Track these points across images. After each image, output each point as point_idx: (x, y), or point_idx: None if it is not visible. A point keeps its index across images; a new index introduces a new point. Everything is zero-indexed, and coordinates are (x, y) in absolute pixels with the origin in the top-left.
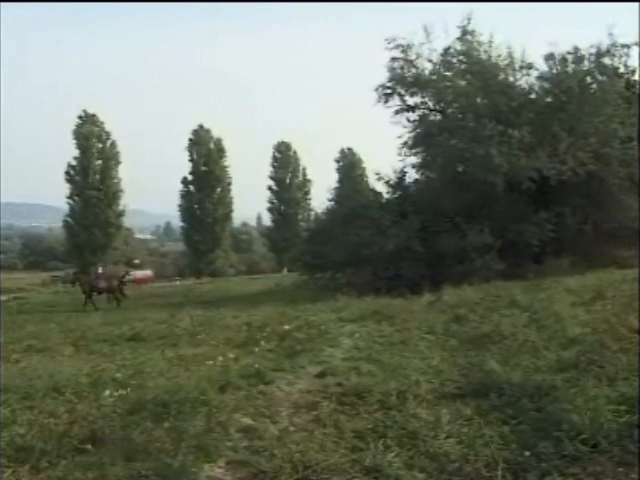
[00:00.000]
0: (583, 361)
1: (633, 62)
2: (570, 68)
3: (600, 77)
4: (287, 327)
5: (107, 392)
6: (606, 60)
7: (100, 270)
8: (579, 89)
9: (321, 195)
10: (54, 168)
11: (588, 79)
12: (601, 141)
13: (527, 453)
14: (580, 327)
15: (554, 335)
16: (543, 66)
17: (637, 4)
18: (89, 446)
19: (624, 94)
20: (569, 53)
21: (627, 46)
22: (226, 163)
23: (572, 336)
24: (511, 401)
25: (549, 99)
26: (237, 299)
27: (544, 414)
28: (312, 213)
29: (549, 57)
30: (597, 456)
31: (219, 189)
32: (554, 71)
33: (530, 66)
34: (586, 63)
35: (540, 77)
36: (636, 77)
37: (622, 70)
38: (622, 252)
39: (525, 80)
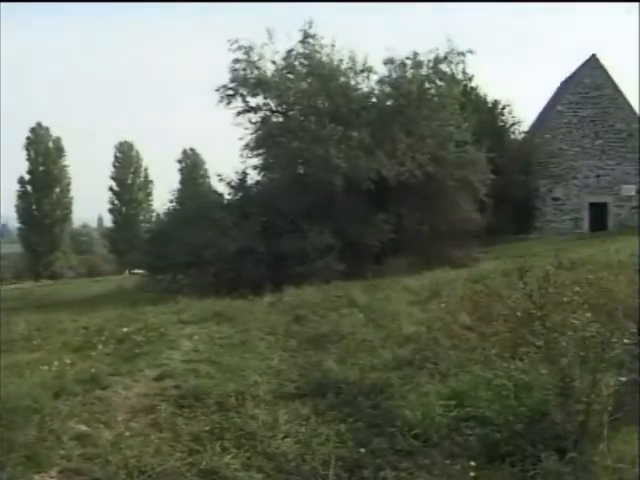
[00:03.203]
0: (417, 358)
1: (472, 70)
2: (409, 73)
3: (438, 82)
4: (126, 330)
5: None
6: (444, 66)
7: None
8: (417, 93)
9: (163, 196)
10: None
11: (426, 84)
12: (438, 144)
13: (362, 450)
14: (416, 325)
15: (391, 334)
16: (383, 70)
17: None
18: None
19: (460, 100)
20: (408, 58)
21: (463, 54)
22: (66, 163)
23: (408, 334)
24: (348, 399)
25: (389, 102)
26: (76, 302)
27: (379, 411)
28: (154, 214)
29: (389, 62)
30: (428, 450)
31: (58, 189)
32: (394, 75)
33: (370, 70)
34: (425, 69)
35: (380, 81)
36: (473, 84)
37: (459, 77)
38: (457, 252)
39: (366, 84)
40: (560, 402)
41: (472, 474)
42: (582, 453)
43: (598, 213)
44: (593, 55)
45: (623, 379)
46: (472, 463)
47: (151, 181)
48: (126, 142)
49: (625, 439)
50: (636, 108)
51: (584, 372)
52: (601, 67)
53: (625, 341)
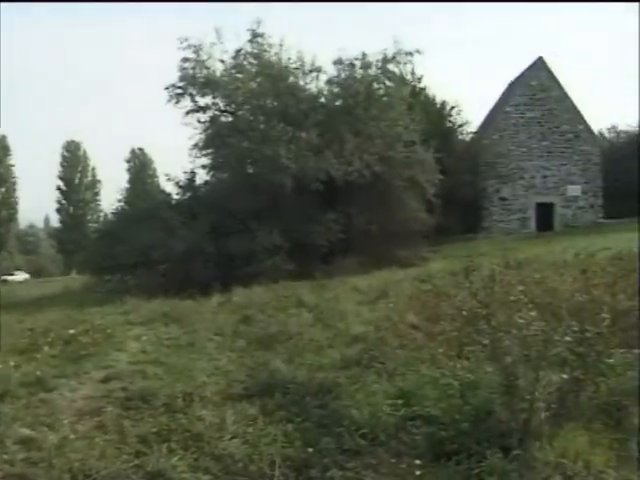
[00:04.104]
0: (365, 358)
1: (421, 70)
2: (358, 73)
3: (386, 83)
4: (72, 331)
5: None
6: (392, 67)
7: None
8: (366, 94)
9: (111, 196)
10: None
11: (375, 84)
12: (386, 144)
13: (310, 450)
14: (364, 325)
15: (339, 333)
16: (332, 71)
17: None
18: None
19: (408, 100)
20: (357, 59)
21: (411, 54)
22: (11, 162)
23: (356, 334)
24: (296, 399)
25: (337, 103)
26: (22, 303)
27: (327, 411)
28: (102, 214)
29: (338, 62)
30: (375, 449)
31: (3, 189)
32: (342, 76)
33: (319, 70)
34: (373, 69)
35: (329, 81)
36: (421, 84)
37: (408, 77)
38: (405, 251)
39: (315, 84)
40: (505, 400)
41: (418, 473)
42: (526, 450)
43: (545, 213)
44: (540, 57)
45: (565, 376)
46: (417, 462)
47: (99, 181)
48: (73, 141)
49: (568, 436)
50: (581, 110)
51: (528, 370)
52: (548, 69)
53: (567, 339)
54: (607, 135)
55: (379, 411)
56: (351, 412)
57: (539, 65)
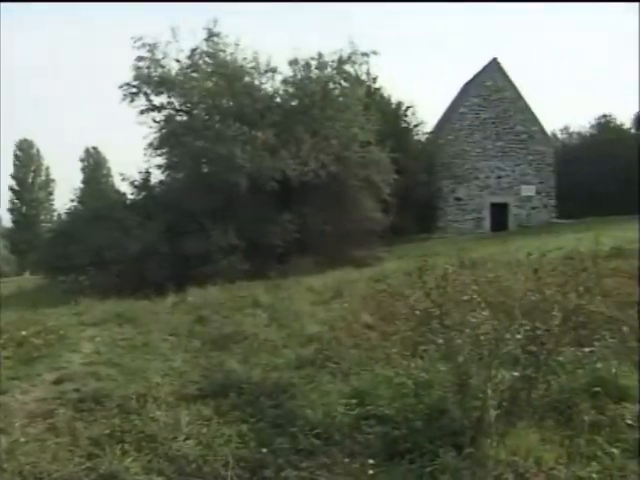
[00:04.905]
0: (320, 358)
1: (376, 71)
2: (313, 73)
3: (342, 83)
4: (25, 333)
5: None
6: (348, 67)
7: None
8: (322, 94)
9: (65, 196)
10: None
11: (330, 84)
12: (342, 144)
13: (264, 450)
14: (318, 325)
15: (293, 333)
16: (288, 71)
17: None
18: None
19: (364, 100)
20: (312, 59)
21: (367, 54)
22: None
23: (310, 334)
24: (250, 400)
25: (293, 103)
26: None
27: (282, 411)
28: (55, 214)
29: (293, 62)
30: (330, 449)
31: None
32: (298, 76)
33: (275, 70)
34: (329, 69)
35: (285, 81)
36: (377, 85)
37: (364, 77)
38: (361, 251)
39: (270, 84)
40: (457, 399)
41: (371, 472)
42: (478, 448)
43: (499, 213)
44: (494, 59)
45: (516, 374)
46: (371, 461)
47: (53, 180)
48: (26, 140)
49: (520, 433)
50: (535, 110)
51: (480, 369)
52: (502, 70)
53: (518, 337)
54: (560, 136)
55: (333, 411)
56: (305, 412)
57: (493, 66)
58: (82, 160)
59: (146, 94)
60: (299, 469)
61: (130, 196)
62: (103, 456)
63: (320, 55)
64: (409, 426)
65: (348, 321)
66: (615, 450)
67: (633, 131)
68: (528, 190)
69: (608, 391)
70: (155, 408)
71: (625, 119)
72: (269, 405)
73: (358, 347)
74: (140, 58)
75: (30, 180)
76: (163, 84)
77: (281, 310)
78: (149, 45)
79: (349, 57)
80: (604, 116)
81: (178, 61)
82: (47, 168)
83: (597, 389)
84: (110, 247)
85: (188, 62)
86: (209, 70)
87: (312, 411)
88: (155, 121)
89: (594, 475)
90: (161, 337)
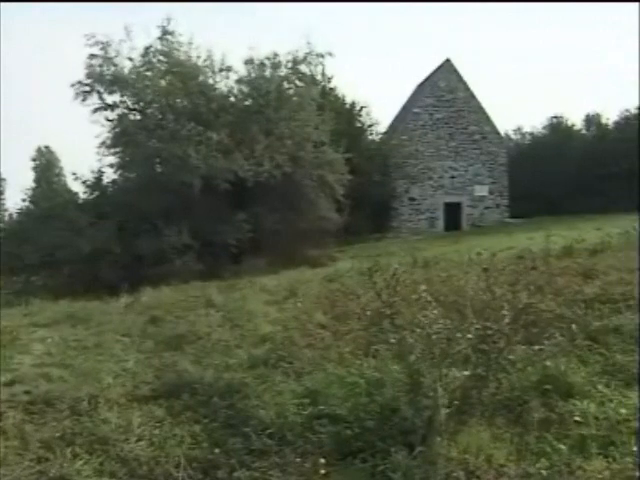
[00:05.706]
0: (273, 358)
1: (331, 71)
2: (268, 73)
3: (297, 83)
4: None
5: None
6: (303, 67)
7: None
8: (276, 94)
9: (16, 195)
10: None
11: (285, 84)
12: (296, 144)
13: (217, 450)
14: (272, 325)
15: (246, 333)
16: (243, 70)
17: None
18: None
19: (319, 101)
20: (268, 58)
21: (322, 55)
22: None
23: (263, 334)
24: (203, 400)
25: (248, 102)
26: None
27: (235, 411)
28: (6, 214)
29: (249, 62)
30: (282, 449)
31: None
32: (253, 75)
33: (229, 69)
34: (284, 69)
35: (239, 81)
36: (331, 85)
37: (319, 78)
38: (315, 251)
39: (225, 83)
40: (409, 398)
41: (323, 471)
42: (430, 447)
43: (452, 213)
44: (447, 59)
45: (467, 373)
46: (323, 460)
47: (4, 179)
48: None
49: (471, 431)
50: (488, 111)
51: (431, 368)
52: (455, 71)
53: (469, 336)
54: (513, 136)
55: (286, 411)
56: (258, 412)
57: (447, 67)
58: (34, 159)
59: (99, 92)
60: (252, 469)
61: (82, 196)
62: (53, 459)
63: (275, 55)
64: (361, 425)
65: (302, 321)
66: (563, 446)
67: (584, 132)
68: (481, 190)
69: (557, 388)
70: (107, 410)
71: (576, 120)
72: (222, 405)
73: (311, 347)
74: (92, 56)
75: None
76: (116, 82)
77: (234, 310)
78: (102, 43)
79: (304, 57)
80: (555, 117)
81: (131, 59)
82: None
83: (547, 387)
84: (62, 247)
85: (142, 60)
86: (163, 69)
87: (265, 411)
88: (108, 120)
89: (543, 471)
90: (114, 338)
